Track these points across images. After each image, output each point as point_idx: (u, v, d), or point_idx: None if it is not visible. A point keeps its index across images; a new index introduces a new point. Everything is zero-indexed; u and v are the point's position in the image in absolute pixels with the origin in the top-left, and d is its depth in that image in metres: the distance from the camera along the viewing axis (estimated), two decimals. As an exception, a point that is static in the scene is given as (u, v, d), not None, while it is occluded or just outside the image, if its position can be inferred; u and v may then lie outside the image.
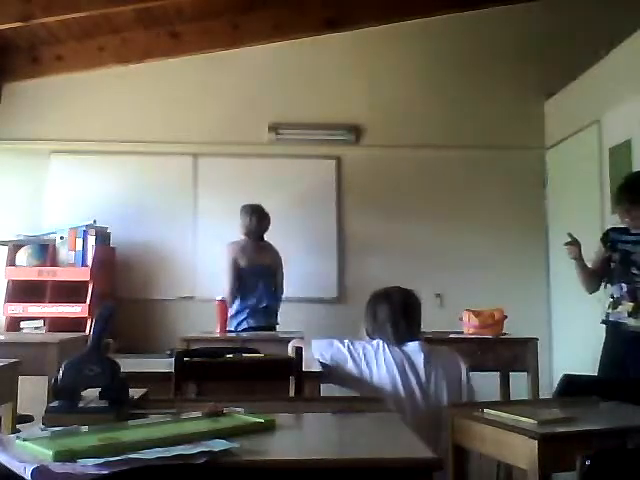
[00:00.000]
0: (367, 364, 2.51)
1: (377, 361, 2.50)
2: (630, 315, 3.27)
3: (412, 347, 2.52)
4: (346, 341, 2.61)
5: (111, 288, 4.99)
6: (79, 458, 1.17)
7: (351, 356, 2.55)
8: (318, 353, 2.67)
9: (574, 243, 3.49)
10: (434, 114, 5.38)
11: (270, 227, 4.61)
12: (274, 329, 4.46)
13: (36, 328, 4.62)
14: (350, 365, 2.54)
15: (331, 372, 2.57)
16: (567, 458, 1.50)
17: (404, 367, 2.47)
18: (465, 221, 5.25)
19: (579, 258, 3.49)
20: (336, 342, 2.63)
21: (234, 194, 5.18)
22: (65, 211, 5.06)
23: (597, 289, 3.54)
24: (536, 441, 1.75)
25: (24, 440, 1.27)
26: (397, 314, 2.57)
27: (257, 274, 4.51)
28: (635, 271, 3.27)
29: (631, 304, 3.26)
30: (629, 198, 3.31)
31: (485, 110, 5.37)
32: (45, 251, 4.79)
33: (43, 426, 1.46)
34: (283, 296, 4.64)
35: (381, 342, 2.54)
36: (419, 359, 2.49)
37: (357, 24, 5.33)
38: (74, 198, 5.15)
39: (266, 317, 4.50)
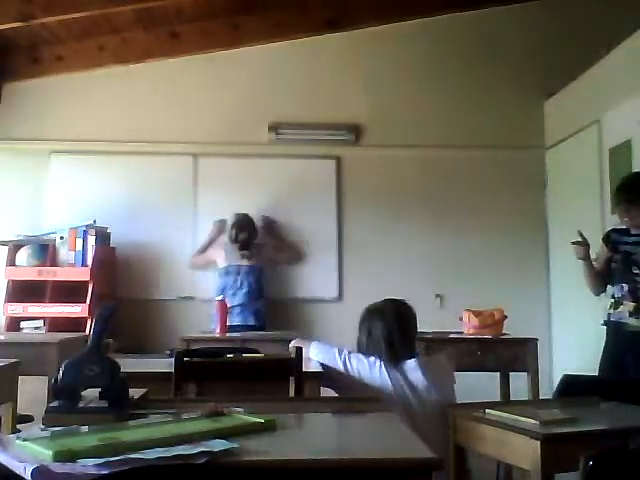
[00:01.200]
0: (359, 375, 2.52)
1: (372, 376, 2.49)
2: (631, 315, 3.26)
3: (409, 365, 2.51)
4: (345, 352, 2.60)
5: (111, 288, 4.98)
6: (79, 458, 1.17)
7: (345, 368, 2.55)
8: (314, 354, 2.69)
9: (582, 243, 3.44)
10: (434, 114, 5.38)
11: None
12: (257, 329, 4.55)
13: (36, 328, 4.62)
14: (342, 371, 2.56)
15: (324, 375, 2.59)
16: (569, 458, 1.49)
17: (400, 385, 2.47)
18: (465, 221, 5.25)
19: (587, 258, 3.46)
20: (334, 350, 2.63)
21: (234, 194, 5.19)
22: (65, 211, 5.06)
23: (604, 290, 3.53)
24: (539, 442, 1.74)
25: (24, 440, 1.27)
26: (392, 332, 2.55)
27: (235, 273, 4.78)
28: (636, 271, 3.26)
29: (632, 304, 3.25)
30: (627, 198, 3.31)
31: (485, 110, 5.36)
32: (45, 251, 4.79)
33: (43, 426, 1.45)
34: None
35: (378, 360, 2.53)
36: (417, 376, 2.48)
37: (357, 24, 5.33)
38: (74, 198, 5.15)
39: (243, 316, 4.63)
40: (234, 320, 4.54)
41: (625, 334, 3.30)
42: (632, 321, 3.26)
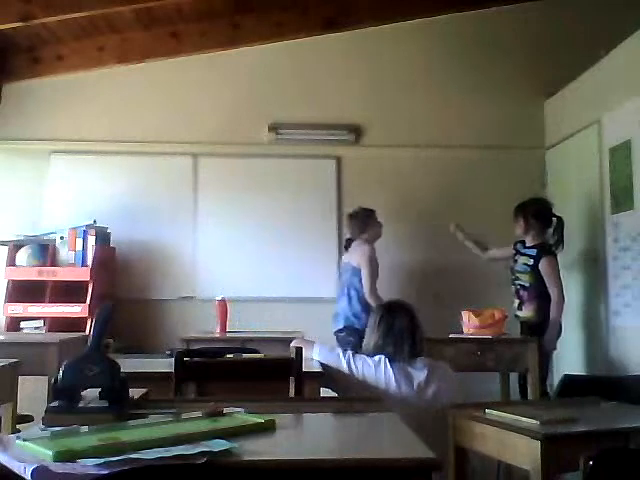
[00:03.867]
0: (363, 376, 2.53)
1: (376, 375, 2.50)
2: (518, 309, 4.22)
3: (417, 364, 2.55)
4: (348, 353, 2.62)
5: (111, 288, 4.98)
6: (79, 458, 1.17)
7: (349, 368, 2.56)
8: (317, 354, 2.70)
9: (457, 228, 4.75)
10: (434, 114, 5.38)
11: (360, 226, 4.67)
12: (338, 334, 4.47)
13: (36, 328, 4.62)
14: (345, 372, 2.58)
15: (325, 374, 2.59)
16: (570, 458, 1.49)
17: (404, 382, 2.48)
18: (465, 221, 5.23)
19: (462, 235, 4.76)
20: (338, 351, 2.64)
21: (234, 194, 5.19)
22: (65, 211, 5.05)
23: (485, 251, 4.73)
24: (539, 441, 1.75)
25: (24, 440, 1.27)
26: (415, 326, 2.61)
27: (341, 274, 4.72)
28: (513, 277, 4.29)
29: (517, 301, 4.22)
30: (513, 213, 4.36)
31: (485, 110, 5.36)
32: (45, 251, 4.79)
33: (43, 426, 1.46)
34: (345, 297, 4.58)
35: (383, 358, 2.54)
36: (422, 374, 2.50)
37: (357, 24, 5.33)
38: (74, 198, 5.15)
39: (334, 320, 4.55)
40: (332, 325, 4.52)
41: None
42: (519, 313, 4.21)
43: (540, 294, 4.09)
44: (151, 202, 5.20)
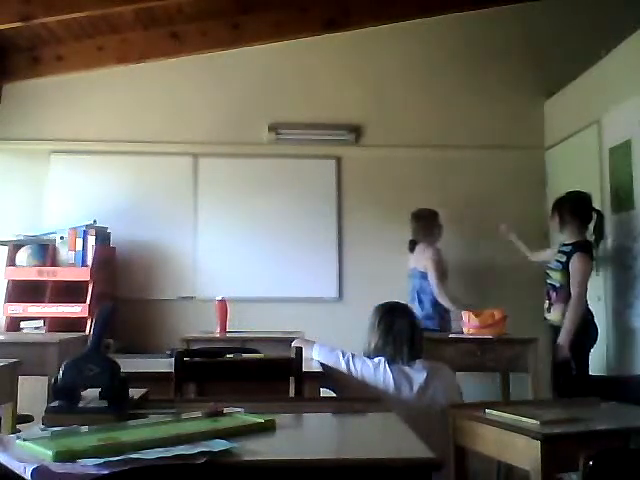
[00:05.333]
0: (362, 377, 2.54)
1: (375, 377, 2.51)
2: (547, 311, 3.94)
3: (416, 365, 2.55)
4: (348, 354, 2.63)
5: (111, 288, 4.98)
6: (79, 458, 1.17)
7: (348, 369, 2.57)
8: (317, 354, 2.70)
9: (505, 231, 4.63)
10: (434, 114, 5.38)
11: (421, 227, 4.72)
12: None
13: (36, 328, 4.62)
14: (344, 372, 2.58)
15: (324, 374, 2.60)
16: (569, 458, 1.49)
17: (404, 384, 2.49)
18: (465, 221, 5.24)
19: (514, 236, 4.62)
20: (338, 352, 2.64)
21: (234, 194, 5.20)
22: (65, 211, 5.05)
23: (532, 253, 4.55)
24: (539, 442, 1.75)
25: (24, 440, 1.27)
26: (414, 329, 2.60)
27: (409, 279, 4.69)
28: (546, 274, 4.00)
29: (547, 302, 3.95)
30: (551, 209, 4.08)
31: (485, 110, 5.36)
32: (45, 251, 4.79)
33: (43, 426, 1.46)
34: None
35: (382, 360, 2.54)
36: (421, 378, 2.50)
37: (357, 24, 5.33)
38: (74, 198, 5.15)
39: None
40: None
41: (548, 327, 3.96)
42: (548, 315, 3.93)
43: (569, 295, 3.78)
44: (151, 202, 5.21)
